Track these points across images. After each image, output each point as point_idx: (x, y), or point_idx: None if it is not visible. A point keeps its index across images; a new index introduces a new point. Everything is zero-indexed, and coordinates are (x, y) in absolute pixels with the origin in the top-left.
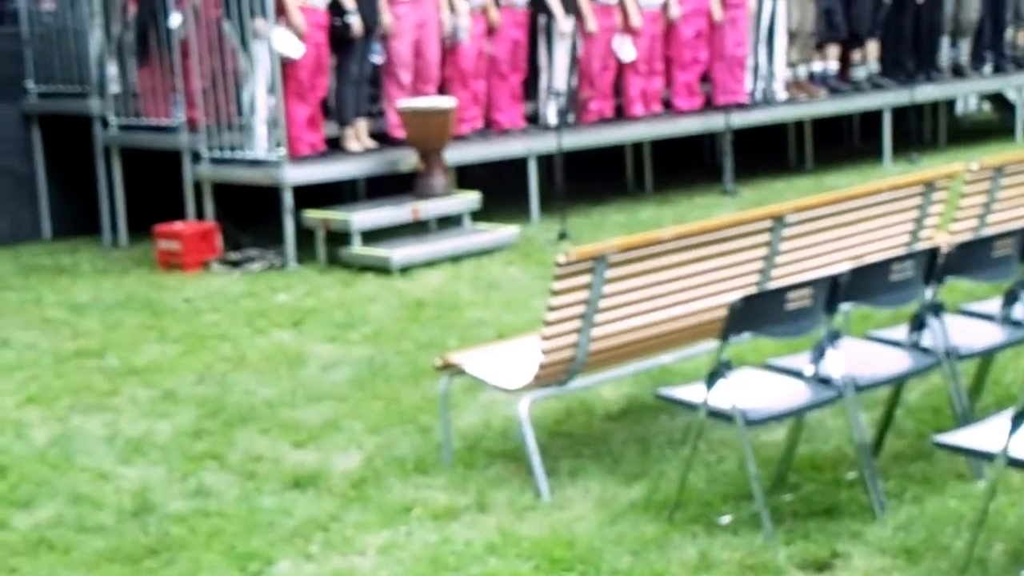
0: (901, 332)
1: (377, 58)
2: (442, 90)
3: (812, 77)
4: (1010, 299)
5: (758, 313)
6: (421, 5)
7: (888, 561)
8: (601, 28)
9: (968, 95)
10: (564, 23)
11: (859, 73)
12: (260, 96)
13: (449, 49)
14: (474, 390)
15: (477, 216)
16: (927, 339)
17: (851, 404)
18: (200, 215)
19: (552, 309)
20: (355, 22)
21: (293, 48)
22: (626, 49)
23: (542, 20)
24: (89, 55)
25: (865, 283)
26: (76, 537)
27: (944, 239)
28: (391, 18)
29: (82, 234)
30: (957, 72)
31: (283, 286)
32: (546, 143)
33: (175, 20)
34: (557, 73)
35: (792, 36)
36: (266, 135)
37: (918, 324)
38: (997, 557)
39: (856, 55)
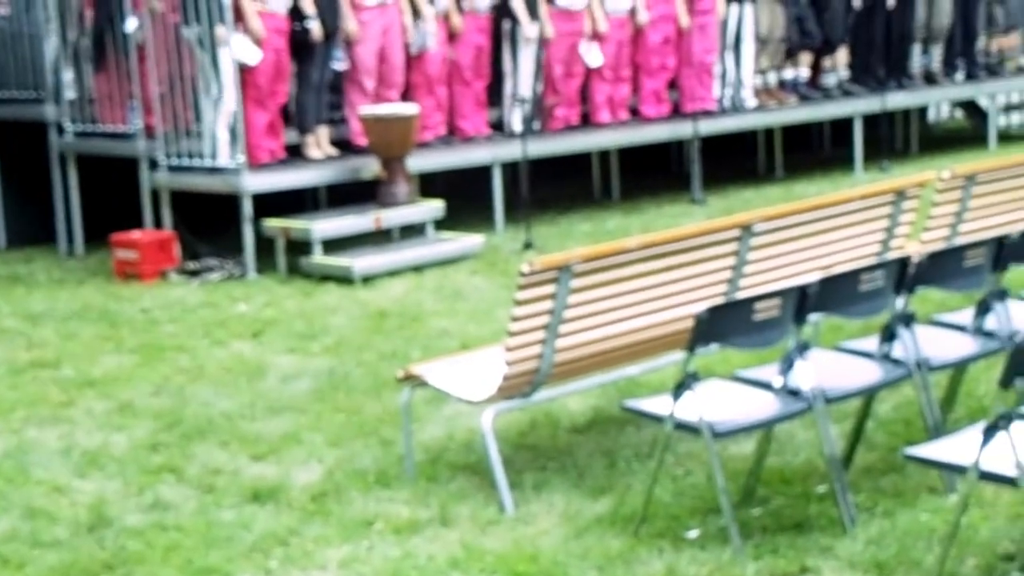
0: (871, 343)
1: (340, 65)
2: (406, 96)
3: (782, 84)
4: (982, 309)
5: (725, 324)
6: (386, 11)
7: None
8: (564, 33)
9: (940, 102)
10: (529, 28)
11: (829, 80)
12: (224, 103)
13: (416, 56)
14: (437, 402)
15: (441, 225)
16: (898, 350)
17: (821, 416)
18: (158, 224)
19: (516, 319)
20: (315, 27)
21: (250, 55)
22: (593, 55)
23: (506, 26)
24: (45, 60)
25: (834, 293)
26: (31, 552)
27: (915, 248)
28: (356, 24)
29: (37, 243)
30: (929, 79)
31: (242, 296)
32: (511, 150)
33: (132, 25)
34: (522, 79)
35: (762, 43)
36: (228, 142)
37: (889, 335)
38: (969, 572)
39: (827, 62)
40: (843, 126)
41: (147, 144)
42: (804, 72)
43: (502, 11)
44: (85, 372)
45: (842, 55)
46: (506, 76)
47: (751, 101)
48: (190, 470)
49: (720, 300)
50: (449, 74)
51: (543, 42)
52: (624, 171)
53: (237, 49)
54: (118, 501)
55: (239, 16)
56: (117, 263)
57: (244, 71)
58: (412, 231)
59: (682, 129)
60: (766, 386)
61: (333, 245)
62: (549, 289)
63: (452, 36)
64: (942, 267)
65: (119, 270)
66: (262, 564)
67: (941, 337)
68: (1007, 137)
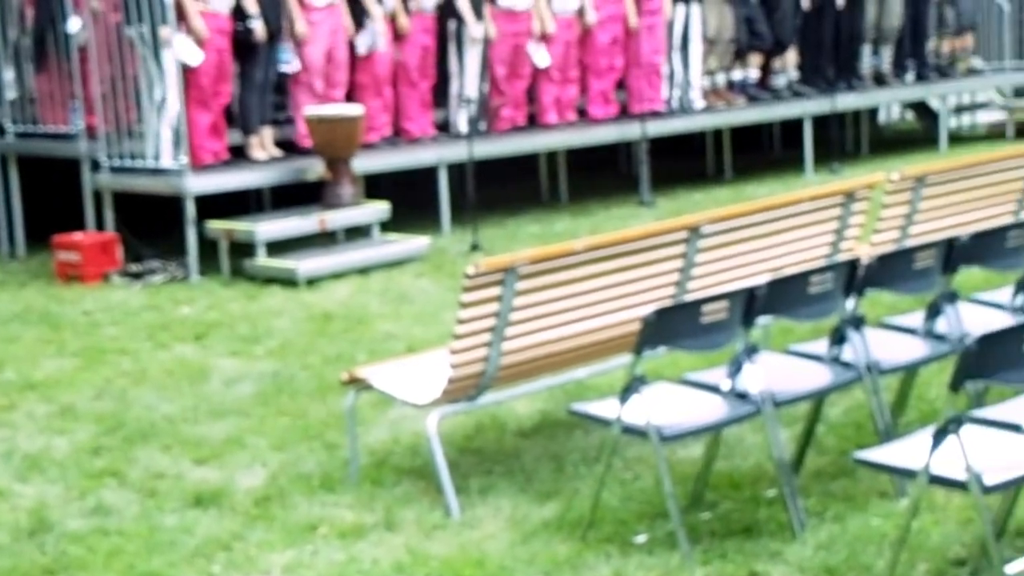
0: (821, 346)
1: (290, 67)
2: (353, 97)
3: (731, 85)
4: (933, 312)
5: (673, 326)
6: (333, 11)
7: None
8: (508, 34)
9: (890, 104)
10: (475, 29)
11: (779, 81)
12: (169, 103)
13: (366, 56)
14: (382, 405)
15: (386, 227)
16: (848, 353)
17: (770, 420)
18: (100, 225)
19: (461, 322)
20: (258, 27)
21: (193, 55)
22: (541, 55)
23: (452, 26)
24: None
25: (783, 296)
26: None
27: (865, 250)
28: (305, 25)
29: None
30: (879, 80)
31: (185, 299)
32: (457, 151)
33: (75, 25)
34: (468, 80)
35: (711, 43)
36: (171, 143)
37: (838, 338)
38: None
39: (776, 63)
40: (793, 127)
41: (89, 145)
42: (753, 73)
43: (447, 11)
44: (26, 375)
45: (792, 56)
46: (452, 76)
47: (699, 102)
48: (132, 474)
49: (668, 302)
50: (395, 75)
51: (487, 42)
52: (572, 173)
53: (179, 50)
54: (59, 506)
55: (181, 16)
56: (59, 265)
57: (187, 72)
58: (357, 233)
59: (630, 130)
60: (714, 389)
61: (277, 247)
62: (495, 291)
63: (398, 36)
64: (892, 269)
65: (61, 272)
66: (205, 569)
67: (891, 340)
68: (958, 138)
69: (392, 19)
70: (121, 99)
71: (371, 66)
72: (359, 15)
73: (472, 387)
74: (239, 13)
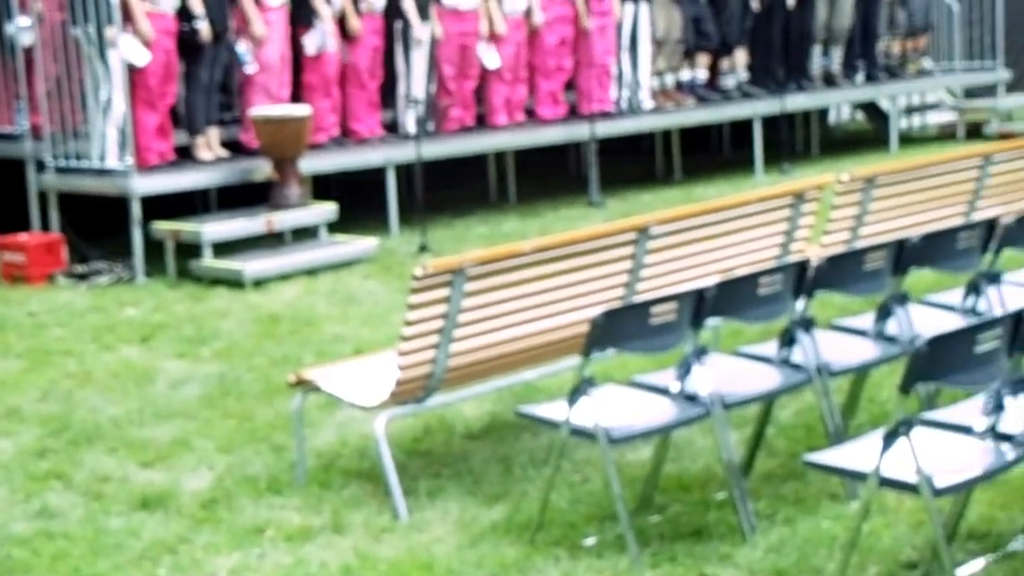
0: (771, 348)
1: (250, 68)
2: (301, 98)
3: (679, 86)
4: (883, 314)
5: (621, 328)
6: (285, 12)
7: None
8: (455, 34)
9: (841, 104)
10: (420, 29)
11: (728, 82)
12: (115, 104)
13: (315, 57)
14: (330, 407)
15: (334, 228)
16: (798, 355)
17: (719, 422)
18: (45, 226)
19: (409, 324)
20: (203, 28)
21: (139, 55)
22: (490, 56)
23: (398, 26)
24: None
25: (733, 297)
26: None
27: (815, 252)
28: (264, 27)
29: None
30: (829, 81)
31: (131, 300)
32: (405, 152)
33: (19, 25)
34: (414, 80)
35: (659, 44)
36: (117, 143)
37: (788, 339)
38: None
39: (724, 63)
40: (743, 128)
41: (34, 145)
42: (701, 73)
43: (393, 11)
44: None
45: (741, 56)
46: (399, 77)
47: (648, 103)
48: (78, 477)
49: (617, 304)
50: (344, 75)
51: (434, 42)
52: (521, 174)
53: (126, 50)
54: (4, 508)
55: (127, 17)
56: (4, 266)
57: (133, 72)
58: (305, 234)
59: (579, 131)
60: (663, 391)
61: (223, 248)
62: (443, 293)
63: (349, 38)
64: (842, 270)
65: (6, 273)
66: (151, 572)
67: (842, 342)
68: (908, 139)
69: (341, 19)
70: (67, 99)
71: (320, 67)
72: (308, 15)
73: (420, 389)
74: (185, 14)
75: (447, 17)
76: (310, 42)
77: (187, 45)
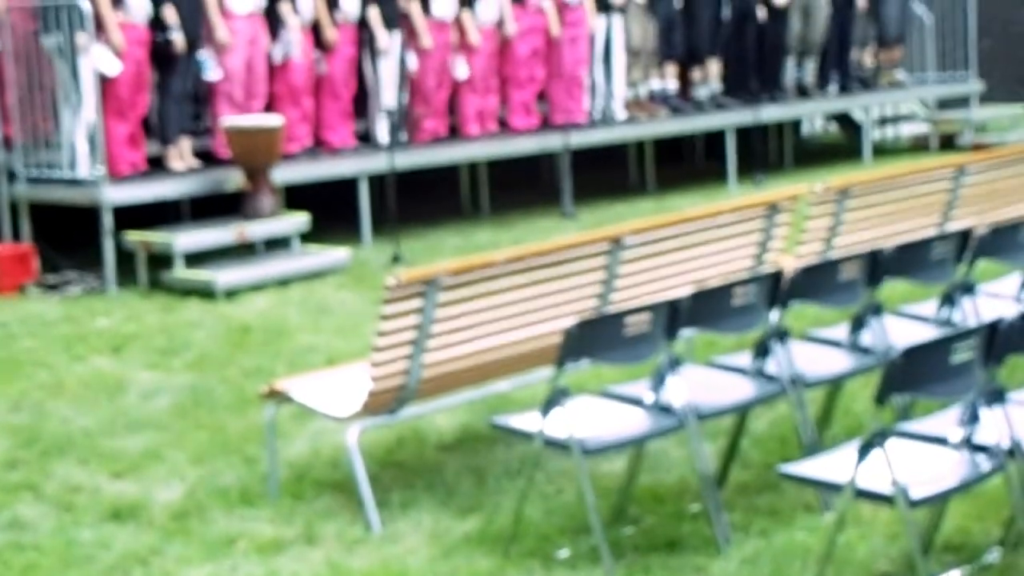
0: (745, 359)
1: (214, 75)
2: (271, 107)
3: (652, 96)
4: (857, 325)
5: (595, 339)
6: (253, 20)
7: None
8: (438, 45)
9: (814, 116)
10: (383, 39)
11: (701, 92)
12: (85, 113)
13: (280, 65)
14: (302, 419)
15: (306, 238)
16: (772, 366)
17: (693, 433)
18: (16, 236)
19: (382, 334)
20: (178, 38)
21: (110, 65)
22: (460, 67)
23: (366, 36)
24: None
25: (707, 308)
26: None
27: (789, 263)
28: (227, 33)
29: None
30: (802, 92)
31: (103, 311)
32: (378, 162)
33: None
34: (384, 91)
35: (634, 54)
36: (88, 154)
37: (762, 350)
38: None
39: (696, 74)
40: (716, 139)
41: (5, 156)
42: (671, 84)
43: (363, 22)
44: None
45: (715, 67)
46: (370, 88)
47: (621, 113)
48: (48, 488)
49: (590, 315)
50: (318, 85)
51: (416, 52)
52: (494, 184)
53: (97, 59)
54: None
55: (99, 27)
56: None
57: (104, 82)
58: (277, 244)
59: (552, 142)
60: (637, 402)
61: (195, 259)
62: (416, 303)
63: (324, 47)
64: (816, 281)
65: None
66: None
67: (816, 353)
68: (881, 150)
69: (314, 29)
70: (38, 109)
71: (286, 75)
72: (275, 24)
73: (393, 400)
74: (158, 24)
75: (433, 27)
76: (275, 51)
77: (159, 55)
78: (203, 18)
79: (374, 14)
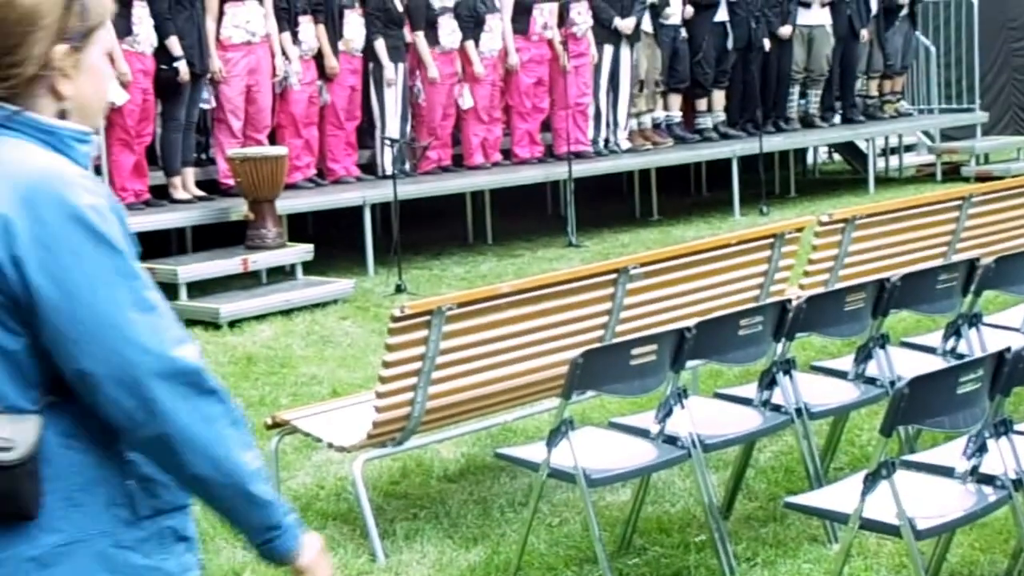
0: (751, 389)
1: (205, 104)
2: (273, 137)
3: (657, 126)
4: (863, 355)
5: (601, 369)
6: (253, 51)
7: None
8: (446, 75)
9: (819, 145)
10: (389, 70)
11: (706, 122)
12: None
13: (280, 95)
14: (306, 449)
15: (310, 268)
16: (778, 397)
17: (699, 464)
18: None
19: (387, 365)
20: (182, 68)
21: (117, 94)
22: (464, 97)
23: (371, 67)
24: None
25: (713, 338)
26: None
27: (795, 293)
28: (220, 63)
29: None
30: (806, 122)
31: None
32: (382, 192)
33: None
34: (388, 121)
35: (641, 84)
36: None
37: (768, 381)
38: None
39: (701, 104)
40: (720, 169)
41: None
42: (675, 114)
43: (368, 52)
44: None
45: (719, 97)
46: (376, 118)
47: (625, 143)
48: None
49: (596, 345)
50: (321, 115)
51: (423, 83)
52: (498, 214)
53: None
54: None
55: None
56: None
57: (111, 112)
58: (281, 274)
59: (556, 171)
60: (643, 433)
61: (199, 288)
62: (421, 334)
63: (328, 78)
64: (822, 312)
65: None
66: None
67: (822, 383)
68: (886, 180)
69: (316, 59)
70: None
71: (286, 106)
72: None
73: (398, 431)
74: (163, 54)
75: (440, 59)
76: (275, 81)
77: (164, 85)
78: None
79: (380, 45)
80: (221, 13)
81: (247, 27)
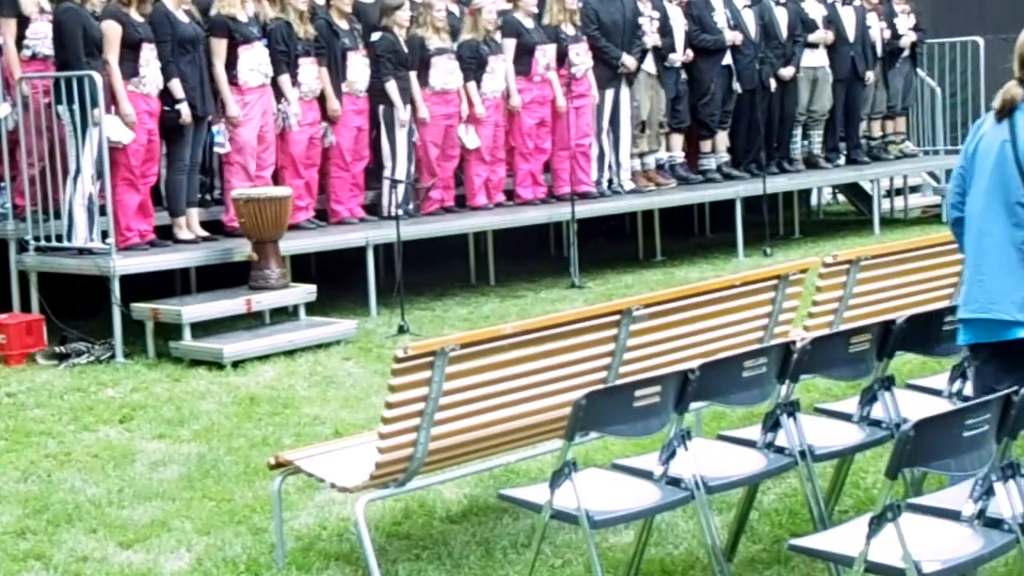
0: (755, 431)
1: (221, 148)
2: (275, 179)
3: (660, 167)
4: (868, 398)
5: (604, 411)
6: (265, 93)
7: None
8: (441, 116)
9: (823, 186)
10: (402, 112)
11: (709, 163)
12: (84, 182)
13: (279, 136)
14: (309, 490)
15: (313, 309)
16: (782, 439)
17: (703, 506)
18: (25, 306)
19: (390, 406)
20: (184, 110)
21: (123, 133)
22: (470, 137)
23: (381, 109)
24: None
25: (717, 380)
26: None
27: (799, 334)
28: (238, 108)
29: None
30: (810, 163)
31: (110, 380)
32: (385, 233)
33: (3, 109)
34: (398, 162)
35: (643, 125)
36: (86, 223)
37: (773, 423)
38: None
39: (705, 145)
40: (724, 210)
41: (16, 225)
42: (678, 155)
43: (376, 93)
44: None
45: (722, 138)
46: (385, 159)
47: (628, 184)
48: (57, 557)
49: (599, 387)
50: (325, 157)
51: (418, 124)
52: (501, 255)
53: (110, 128)
54: None
55: (111, 97)
56: None
57: (116, 152)
58: (284, 315)
59: (559, 212)
60: (647, 475)
61: (203, 328)
62: (424, 375)
63: (332, 120)
64: (827, 353)
65: None
66: None
67: (826, 426)
68: (891, 221)
69: (320, 101)
70: (48, 179)
71: (286, 146)
72: (278, 97)
73: (400, 471)
74: (168, 95)
75: (432, 99)
76: (275, 122)
77: (168, 127)
78: (214, 91)
79: (391, 87)
80: (234, 57)
81: (260, 69)
